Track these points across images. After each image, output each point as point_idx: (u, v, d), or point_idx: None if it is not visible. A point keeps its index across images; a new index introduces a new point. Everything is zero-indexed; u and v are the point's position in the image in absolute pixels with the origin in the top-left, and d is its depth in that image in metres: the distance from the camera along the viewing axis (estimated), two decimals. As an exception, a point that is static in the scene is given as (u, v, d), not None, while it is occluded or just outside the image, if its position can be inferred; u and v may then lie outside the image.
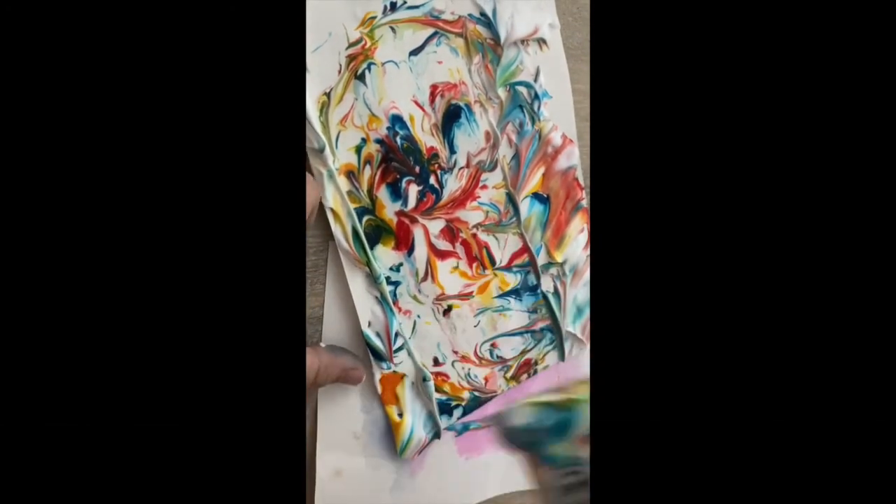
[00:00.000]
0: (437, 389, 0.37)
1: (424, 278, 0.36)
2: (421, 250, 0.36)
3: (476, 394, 0.38)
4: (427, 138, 0.35)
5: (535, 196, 0.37)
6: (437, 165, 0.35)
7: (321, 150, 0.34)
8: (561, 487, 0.30)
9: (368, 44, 0.34)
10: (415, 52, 0.34)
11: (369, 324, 0.36)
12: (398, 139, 0.35)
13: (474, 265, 0.37)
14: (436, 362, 0.37)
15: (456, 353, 0.37)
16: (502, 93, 0.36)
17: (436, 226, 0.36)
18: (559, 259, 0.37)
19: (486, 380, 0.38)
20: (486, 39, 0.35)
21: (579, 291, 0.38)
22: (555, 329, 0.38)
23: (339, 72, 0.34)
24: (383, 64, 0.34)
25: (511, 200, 0.37)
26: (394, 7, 0.34)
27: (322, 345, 0.36)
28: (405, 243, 0.36)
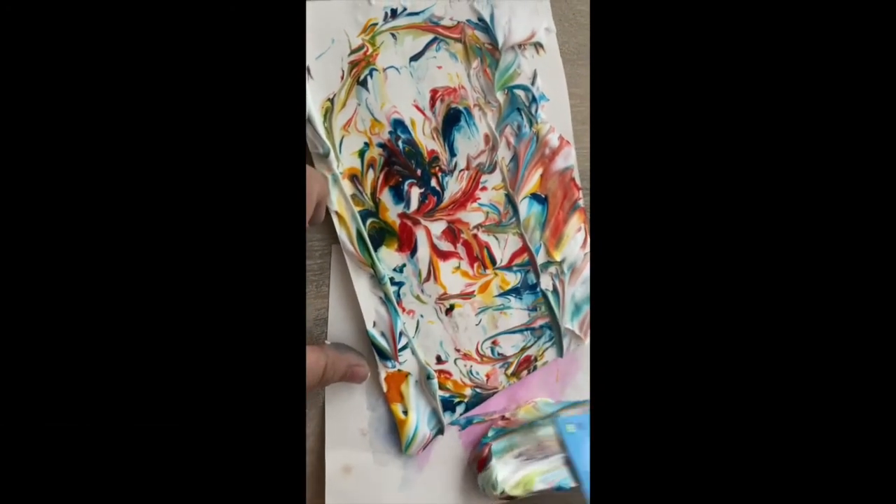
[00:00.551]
0: (441, 387, 0.38)
1: (427, 278, 0.37)
2: (423, 251, 0.37)
3: (478, 390, 0.39)
4: (428, 142, 0.36)
5: (534, 197, 0.38)
6: (437, 168, 0.36)
7: (325, 155, 0.34)
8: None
9: (370, 50, 0.34)
10: (415, 58, 0.35)
11: (374, 324, 0.37)
12: (400, 143, 0.35)
13: (475, 265, 0.38)
14: (439, 360, 0.38)
15: (458, 351, 0.38)
16: (500, 96, 0.36)
17: (437, 227, 0.37)
18: (558, 258, 0.38)
19: (488, 377, 0.39)
20: (484, 44, 0.36)
21: (577, 289, 0.39)
22: (554, 326, 0.39)
23: (342, 78, 0.34)
24: (385, 70, 0.35)
25: (510, 201, 0.37)
26: (394, 14, 0.35)
27: (327, 342, 0.36)
28: (408, 245, 0.36)
